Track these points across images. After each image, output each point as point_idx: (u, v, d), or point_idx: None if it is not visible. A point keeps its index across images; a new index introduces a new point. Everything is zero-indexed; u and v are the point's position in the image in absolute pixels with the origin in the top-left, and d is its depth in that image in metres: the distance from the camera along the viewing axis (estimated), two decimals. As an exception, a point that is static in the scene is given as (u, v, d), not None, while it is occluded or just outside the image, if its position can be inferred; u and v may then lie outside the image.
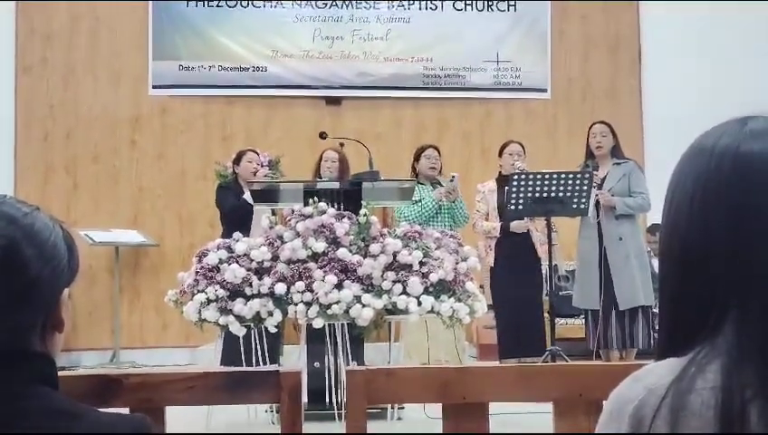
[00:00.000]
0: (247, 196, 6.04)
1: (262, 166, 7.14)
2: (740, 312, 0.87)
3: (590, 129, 6.05)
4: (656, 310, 6.06)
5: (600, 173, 5.83)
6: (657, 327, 5.75)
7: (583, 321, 6.15)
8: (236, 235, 4.76)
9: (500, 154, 6.37)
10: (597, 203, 5.74)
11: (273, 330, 4.61)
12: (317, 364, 4.78)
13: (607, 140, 5.95)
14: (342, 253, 4.43)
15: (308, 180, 5.83)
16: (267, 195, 5.26)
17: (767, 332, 0.85)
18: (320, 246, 4.47)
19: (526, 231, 6.14)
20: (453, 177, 6.09)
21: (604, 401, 0.96)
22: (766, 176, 0.89)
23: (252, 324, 4.51)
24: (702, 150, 0.95)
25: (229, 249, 4.58)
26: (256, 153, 6.50)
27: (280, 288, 4.37)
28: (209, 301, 4.44)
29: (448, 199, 6.08)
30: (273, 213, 5.36)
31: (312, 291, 4.36)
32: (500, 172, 6.28)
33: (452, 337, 5.33)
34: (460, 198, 6.17)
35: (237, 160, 6.39)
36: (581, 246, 5.97)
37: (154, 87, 8.34)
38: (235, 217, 5.97)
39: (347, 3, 8.54)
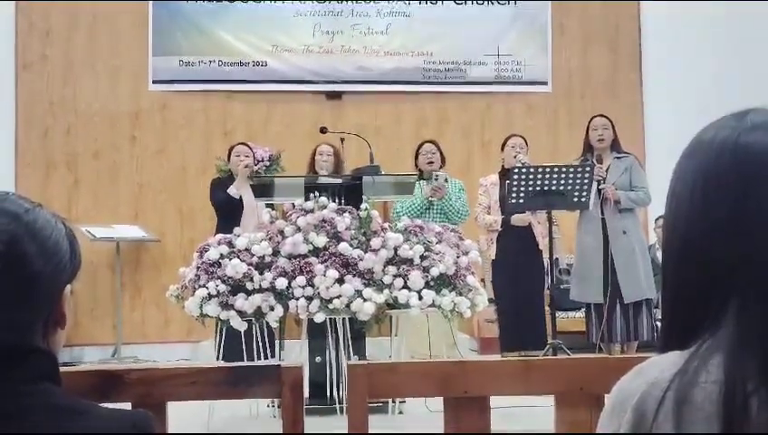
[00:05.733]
0: (231, 189, 6.10)
1: (261, 161, 7.17)
2: (740, 302, 0.87)
3: (590, 122, 6.05)
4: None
5: (602, 168, 5.84)
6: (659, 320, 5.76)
7: (584, 314, 6.16)
8: (237, 230, 4.77)
9: (502, 148, 6.38)
10: (602, 198, 5.74)
11: (274, 325, 4.62)
12: (318, 359, 4.80)
13: (608, 134, 5.96)
14: (343, 247, 4.44)
15: (308, 175, 5.84)
16: (266, 190, 5.27)
17: (766, 321, 0.85)
18: (321, 240, 4.47)
19: (528, 224, 6.15)
20: (436, 176, 6.09)
21: (605, 395, 0.96)
22: (766, 167, 0.89)
23: (253, 319, 4.52)
24: (702, 144, 0.95)
25: (230, 244, 4.58)
26: (247, 146, 6.53)
27: (281, 283, 4.37)
28: (210, 296, 4.44)
29: (435, 197, 6.08)
30: (274, 207, 5.37)
31: (313, 285, 4.37)
32: (502, 166, 6.29)
33: (448, 330, 5.32)
34: (449, 195, 6.15)
35: (229, 156, 6.45)
36: (582, 240, 5.97)
37: (154, 82, 8.33)
38: (224, 211, 6.11)
39: (347, -3, 8.54)
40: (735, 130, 0.92)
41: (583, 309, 6.18)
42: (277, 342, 5.27)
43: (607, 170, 5.86)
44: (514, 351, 5.91)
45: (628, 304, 5.71)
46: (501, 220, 6.18)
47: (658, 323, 5.50)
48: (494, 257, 6.30)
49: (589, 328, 5.95)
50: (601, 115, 6.06)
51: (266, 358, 4.92)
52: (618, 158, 5.94)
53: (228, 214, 6.05)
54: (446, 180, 6.20)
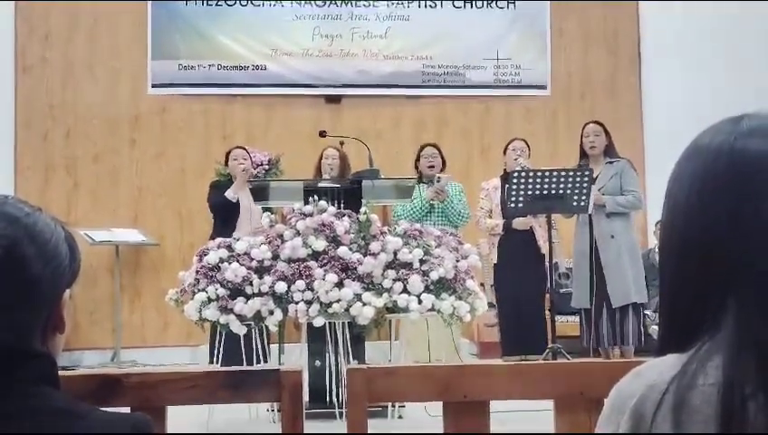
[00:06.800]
0: (228, 192, 6.09)
1: (260, 165, 7.16)
2: (738, 304, 0.87)
3: (583, 129, 6.06)
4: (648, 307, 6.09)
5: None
6: (647, 324, 5.75)
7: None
8: (236, 234, 4.77)
9: (504, 152, 6.39)
10: None
11: (273, 329, 4.62)
12: (318, 363, 4.79)
13: (600, 140, 5.96)
14: (343, 251, 4.44)
15: (307, 179, 5.85)
16: (265, 193, 5.27)
17: (764, 324, 0.85)
18: (320, 244, 4.47)
19: (529, 228, 6.15)
20: (438, 178, 6.11)
21: (605, 399, 0.96)
22: (762, 172, 0.90)
23: (252, 323, 4.51)
24: (698, 149, 0.96)
25: (229, 248, 4.58)
26: (244, 149, 6.53)
27: (280, 287, 4.37)
28: (210, 300, 4.44)
29: (437, 199, 6.08)
30: (272, 211, 5.37)
31: (312, 289, 4.36)
32: (504, 169, 6.29)
33: (448, 335, 5.33)
34: (451, 198, 6.15)
35: (227, 159, 6.45)
36: (575, 245, 5.98)
37: (153, 86, 8.34)
38: (221, 214, 6.11)
39: (346, 1, 8.53)
40: (731, 135, 0.93)
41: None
42: (277, 346, 5.27)
43: (596, 177, 5.85)
44: (515, 355, 5.91)
45: (615, 309, 5.70)
46: (503, 224, 6.18)
47: (655, 328, 5.51)
48: (495, 261, 6.30)
49: (582, 332, 5.95)
50: (594, 122, 6.06)
51: (265, 361, 4.92)
52: (609, 163, 5.94)
53: (225, 217, 6.06)
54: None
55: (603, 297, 5.69)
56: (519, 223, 6.12)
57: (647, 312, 5.90)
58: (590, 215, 5.73)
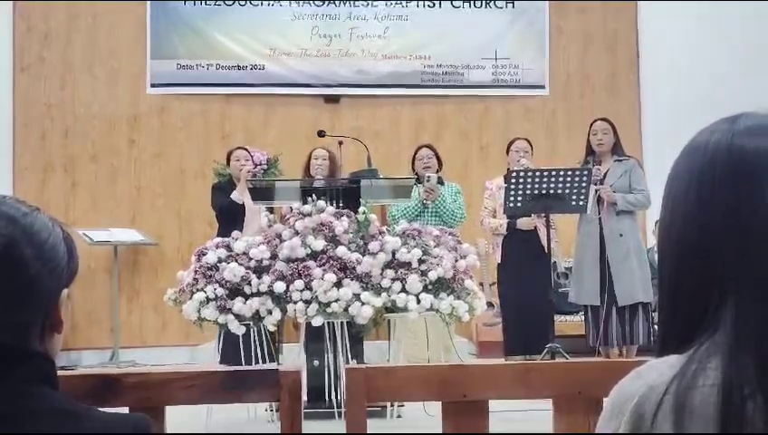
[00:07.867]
0: (234, 194, 6.09)
1: (259, 164, 7.16)
2: (737, 304, 0.87)
3: (591, 126, 6.05)
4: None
5: (601, 169, 5.84)
6: (657, 323, 5.78)
7: (582, 318, 6.15)
8: (235, 233, 4.77)
9: (507, 151, 6.38)
10: (598, 199, 5.74)
11: (272, 328, 4.61)
12: (316, 363, 4.79)
13: (608, 138, 5.95)
14: (341, 251, 4.43)
15: (306, 179, 5.84)
16: (264, 193, 5.27)
17: (763, 323, 0.85)
18: (319, 244, 4.47)
19: (534, 228, 6.14)
20: (428, 177, 6.10)
21: (604, 399, 0.96)
22: (759, 170, 0.90)
23: (251, 323, 4.51)
24: (696, 148, 0.96)
25: (228, 248, 4.58)
26: (245, 150, 6.53)
27: (279, 287, 4.37)
28: (208, 300, 4.44)
29: (429, 199, 6.07)
30: (272, 211, 5.37)
31: (311, 289, 4.36)
32: (508, 169, 6.28)
33: (443, 334, 5.31)
34: (443, 197, 6.14)
35: (228, 160, 6.45)
36: (580, 242, 5.97)
37: (152, 86, 8.33)
38: (226, 216, 6.10)
39: (345, 1, 8.54)
40: (729, 133, 0.93)
41: (582, 313, 6.18)
42: (274, 346, 5.26)
43: (606, 174, 5.86)
44: (519, 355, 5.91)
45: (623, 308, 5.70)
46: (506, 224, 6.18)
47: (656, 328, 5.50)
48: (499, 261, 6.29)
49: (587, 331, 5.95)
50: (603, 119, 6.06)
51: (264, 362, 4.91)
52: (618, 161, 5.94)
53: (230, 219, 6.04)
54: (441, 183, 6.19)
55: (611, 296, 5.69)
56: (523, 223, 6.11)
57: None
58: (599, 212, 5.74)
